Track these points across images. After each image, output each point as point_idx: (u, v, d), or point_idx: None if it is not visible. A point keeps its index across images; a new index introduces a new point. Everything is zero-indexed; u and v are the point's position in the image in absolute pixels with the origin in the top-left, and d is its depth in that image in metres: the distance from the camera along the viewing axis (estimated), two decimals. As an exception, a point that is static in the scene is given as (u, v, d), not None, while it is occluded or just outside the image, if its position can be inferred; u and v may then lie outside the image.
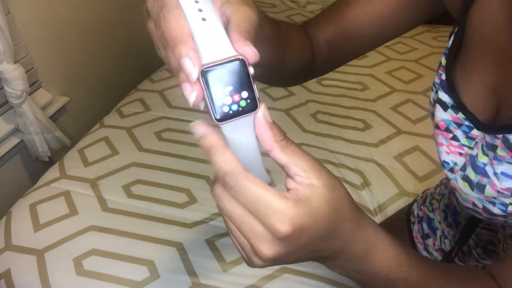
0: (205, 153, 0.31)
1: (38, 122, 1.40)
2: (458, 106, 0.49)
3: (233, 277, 0.95)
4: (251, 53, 0.30)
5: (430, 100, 0.56)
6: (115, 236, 1.06)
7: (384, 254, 0.37)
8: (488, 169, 0.47)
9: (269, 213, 0.30)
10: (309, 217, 0.31)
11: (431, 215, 0.73)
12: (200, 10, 0.30)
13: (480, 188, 0.48)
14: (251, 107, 0.31)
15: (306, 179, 0.32)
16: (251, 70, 0.30)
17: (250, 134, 0.32)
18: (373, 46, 0.60)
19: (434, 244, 0.72)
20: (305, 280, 0.94)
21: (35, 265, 1.00)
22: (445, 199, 0.71)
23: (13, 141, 1.43)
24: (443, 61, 0.51)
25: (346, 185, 1.25)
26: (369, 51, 0.61)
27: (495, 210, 0.47)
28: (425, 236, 0.74)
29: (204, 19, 0.30)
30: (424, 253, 0.75)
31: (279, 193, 0.31)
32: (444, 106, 0.51)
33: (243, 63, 0.29)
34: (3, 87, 1.30)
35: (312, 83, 1.59)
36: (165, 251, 1.01)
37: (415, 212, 0.79)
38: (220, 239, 1.03)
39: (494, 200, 0.47)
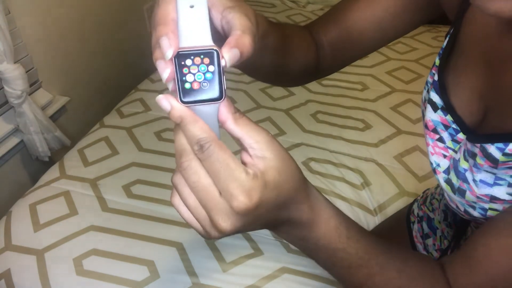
0: (175, 125, 0.33)
1: (38, 122, 1.40)
2: (448, 108, 0.50)
3: (233, 277, 0.95)
4: (227, 56, 0.32)
5: (421, 98, 0.57)
6: (115, 236, 1.06)
7: (326, 224, 0.39)
8: (468, 175, 0.48)
9: (230, 180, 0.32)
10: (265, 190, 0.33)
11: (431, 214, 0.73)
12: (191, 1, 0.32)
13: (461, 192, 0.49)
14: (217, 96, 0.33)
15: (259, 151, 0.33)
16: (223, 63, 0.32)
17: (213, 120, 0.34)
18: (374, 48, 0.61)
19: (434, 244, 0.72)
20: (305, 280, 0.94)
21: (35, 265, 1.00)
22: (445, 199, 0.71)
23: (13, 141, 1.43)
24: (437, 61, 0.52)
25: (346, 185, 1.25)
26: (371, 53, 0.62)
27: (475, 213, 0.48)
28: (425, 236, 0.74)
29: (192, 7, 0.32)
30: (424, 253, 0.75)
31: (243, 166, 0.33)
32: (434, 107, 0.52)
33: (217, 55, 0.32)
34: (3, 87, 1.30)
35: (312, 83, 1.59)
36: (165, 251, 1.01)
37: (415, 211, 0.79)
38: (220, 239, 1.03)
39: (474, 204, 0.48)
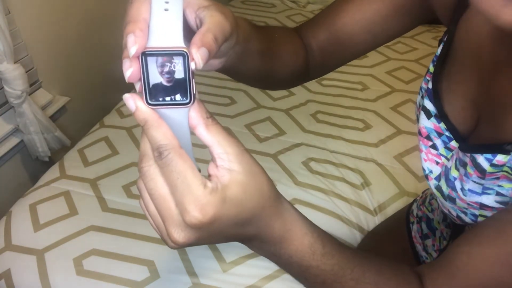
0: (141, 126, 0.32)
1: (38, 122, 1.40)
2: (441, 115, 0.50)
3: (233, 277, 0.95)
4: (197, 56, 0.30)
5: (416, 103, 0.57)
6: (115, 236, 1.06)
7: (299, 241, 0.38)
8: (457, 184, 0.48)
9: (185, 193, 0.30)
10: (222, 207, 0.31)
11: (430, 215, 0.73)
12: (166, 2, 0.31)
13: (451, 199, 0.49)
14: (185, 100, 0.31)
15: (227, 162, 0.32)
16: (192, 66, 0.30)
17: (181, 125, 0.32)
18: (365, 51, 0.60)
19: (433, 245, 0.72)
20: (305, 280, 0.94)
21: (35, 265, 1.00)
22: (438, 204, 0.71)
23: (13, 141, 1.43)
24: (431, 68, 0.52)
25: (346, 185, 1.25)
26: (361, 56, 0.61)
27: (467, 219, 0.49)
28: (424, 237, 0.74)
29: (166, 10, 0.31)
30: (423, 254, 0.75)
31: (202, 178, 0.31)
32: (428, 114, 0.52)
33: (186, 57, 0.30)
34: (3, 87, 1.30)
35: (312, 83, 1.59)
36: (165, 251, 1.01)
37: (415, 212, 0.79)
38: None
39: (465, 210, 0.48)
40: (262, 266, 0.97)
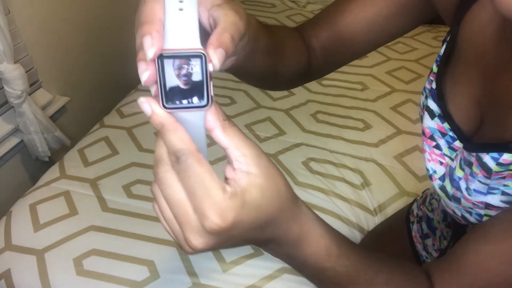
0: (156, 130, 0.31)
1: (38, 122, 1.40)
2: (445, 116, 0.50)
3: (233, 277, 0.95)
4: (214, 58, 0.29)
5: (420, 103, 0.57)
6: (115, 236, 1.06)
7: (315, 243, 0.37)
8: (462, 184, 0.48)
9: (204, 198, 0.30)
10: (242, 211, 0.31)
11: (430, 215, 0.73)
12: (180, 1, 0.30)
13: (456, 199, 0.49)
14: (202, 103, 0.30)
15: (244, 165, 0.31)
16: (210, 68, 0.30)
17: (198, 128, 0.32)
18: (366, 51, 0.60)
19: (433, 245, 0.72)
20: (305, 280, 0.93)
21: (35, 265, 1.00)
22: (442, 204, 0.71)
23: (13, 141, 1.43)
24: (435, 68, 0.52)
25: (346, 185, 1.25)
26: (362, 56, 0.61)
27: (472, 219, 0.49)
28: (424, 236, 0.74)
29: (181, 9, 0.30)
30: (424, 253, 0.75)
31: (220, 183, 0.30)
32: (432, 114, 0.51)
33: (204, 59, 0.29)
34: (3, 87, 1.30)
35: (312, 83, 1.59)
36: (165, 251, 1.01)
37: (415, 211, 0.79)
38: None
39: (470, 210, 0.48)
40: (262, 266, 0.97)
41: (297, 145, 1.33)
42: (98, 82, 1.85)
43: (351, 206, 1.12)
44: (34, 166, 1.55)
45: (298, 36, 0.58)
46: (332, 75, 0.66)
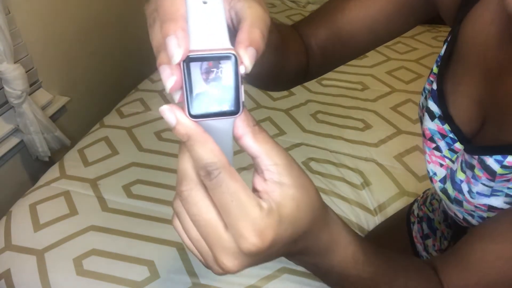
0: (181, 142, 0.28)
1: (38, 122, 1.40)
2: (445, 117, 0.49)
3: (233, 277, 0.95)
4: (246, 58, 0.26)
5: (419, 104, 0.56)
6: (115, 236, 1.06)
7: (343, 251, 0.36)
8: (463, 186, 0.47)
9: (240, 217, 0.27)
10: (280, 228, 0.28)
11: (431, 215, 0.73)
12: None
13: (458, 202, 0.49)
14: (233, 110, 0.27)
15: (276, 175, 0.29)
16: (242, 70, 0.26)
17: (226, 137, 0.28)
18: (366, 50, 0.59)
19: (434, 245, 0.72)
20: (305, 280, 0.94)
21: (35, 265, 1.00)
22: (443, 206, 0.71)
23: (13, 141, 1.43)
24: (435, 69, 0.51)
25: (346, 185, 1.24)
26: (362, 55, 0.60)
27: (474, 221, 0.48)
28: (425, 237, 0.74)
29: (205, 2, 0.26)
30: (424, 254, 0.75)
31: (256, 198, 0.28)
32: (432, 116, 0.51)
33: (235, 60, 0.26)
34: (3, 87, 1.30)
35: (312, 83, 1.59)
36: (165, 251, 1.01)
37: (415, 212, 0.79)
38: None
39: (472, 213, 0.48)
40: (262, 266, 0.97)
41: (297, 145, 1.33)
42: (98, 82, 1.85)
43: (351, 206, 1.12)
44: (34, 166, 1.55)
45: (296, 35, 0.57)
46: (332, 75, 0.65)
